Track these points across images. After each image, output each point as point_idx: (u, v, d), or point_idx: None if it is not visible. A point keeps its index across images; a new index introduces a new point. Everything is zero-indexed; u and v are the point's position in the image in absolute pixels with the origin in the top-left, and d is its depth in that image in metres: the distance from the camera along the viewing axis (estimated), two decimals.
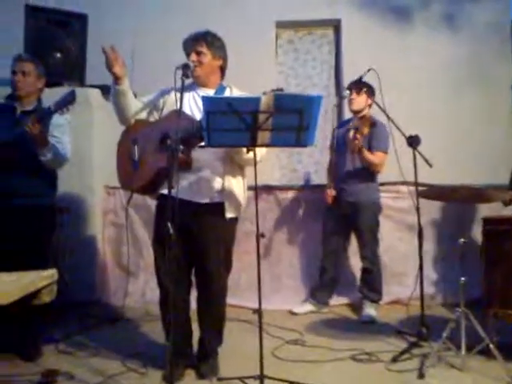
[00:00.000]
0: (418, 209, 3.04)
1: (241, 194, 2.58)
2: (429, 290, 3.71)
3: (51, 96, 2.88)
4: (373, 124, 3.45)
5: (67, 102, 2.65)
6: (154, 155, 2.45)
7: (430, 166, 3.06)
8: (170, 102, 2.52)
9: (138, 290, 4.00)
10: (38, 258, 2.81)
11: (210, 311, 2.62)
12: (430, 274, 3.87)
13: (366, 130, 3.38)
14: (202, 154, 2.43)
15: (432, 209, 3.85)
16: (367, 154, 3.44)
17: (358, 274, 3.82)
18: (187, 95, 2.52)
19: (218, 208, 2.49)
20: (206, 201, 2.49)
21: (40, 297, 1.58)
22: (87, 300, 3.86)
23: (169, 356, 2.27)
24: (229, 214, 2.52)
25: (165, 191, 2.44)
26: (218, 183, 2.49)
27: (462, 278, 2.61)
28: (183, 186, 2.35)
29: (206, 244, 2.51)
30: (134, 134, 2.57)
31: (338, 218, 3.68)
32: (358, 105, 3.58)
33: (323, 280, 3.77)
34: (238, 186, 2.55)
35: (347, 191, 3.62)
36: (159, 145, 2.45)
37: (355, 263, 3.92)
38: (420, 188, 3.05)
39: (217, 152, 2.46)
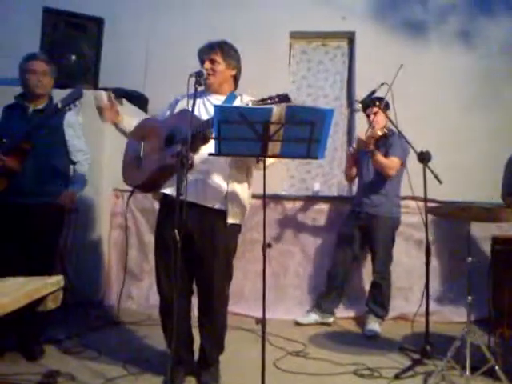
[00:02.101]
0: (426, 225, 3.01)
1: (245, 201, 2.55)
2: (434, 306, 3.67)
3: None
4: (389, 132, 3.51)
5: (74, 98, 2.70)
6: (158, 153, 2.47)
7: (440, 182, 3.03)
8: (181, 108, 2.55)
9: (142, 294, 3.99)
10: (45, 258, 2.84)
11: (210, 319, 2.59)
12: (436, 290, 3.84)
13: (379, 133, 3.45)
14: (210, 157, 2.39)
15: (440, 225, 3.83)
16: (379, 156, 3.45)
17: (366, 287, 3.79)
18: (198, 101, 2.51)
19: (220, 213, 2.47)
20: (209, 204, 2.47)
21: (45, 303, 1.57)
22: (91, 301, 3.86)
23: (170, 363, 2.26)
24: (231, 220, 2.49)
25: (167, 191, 2.47)
26: (222, 188, 2.48)
27: (469, 297, 2.58)
28: (189, 188, 2.26)
29: (207, 250, 2.49)
30: (143, 132, 2.60)
31: (354, 228, 3.68)
32: (379, 125, 3.57)
33: (329, 287, 3.74)
34: (242, 192, 2.53)
35: (367, 204, 3.62)
36: (164, 143, 2.47)
37: (366, 277, 3.91)
38: (429, 204, 3.03)
39: (224, 157, 2.44)
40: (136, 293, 3.98)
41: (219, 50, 2.55)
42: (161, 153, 2.45)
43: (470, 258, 2.67)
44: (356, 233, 3.68)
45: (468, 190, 3.86)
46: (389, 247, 3.61)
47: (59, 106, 2.71)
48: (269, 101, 2.29)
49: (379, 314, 3.58)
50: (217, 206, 2.48)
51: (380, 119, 3.57)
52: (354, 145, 3.75)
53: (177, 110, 2.59)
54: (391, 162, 3.49)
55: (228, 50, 2.57)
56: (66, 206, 2.91)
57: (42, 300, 1.55)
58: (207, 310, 2.58)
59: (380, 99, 3.44)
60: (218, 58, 2.54)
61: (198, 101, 2.51)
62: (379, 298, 3.59)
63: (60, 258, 3.25)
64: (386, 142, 3.54)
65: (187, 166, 2.24)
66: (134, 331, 3.45)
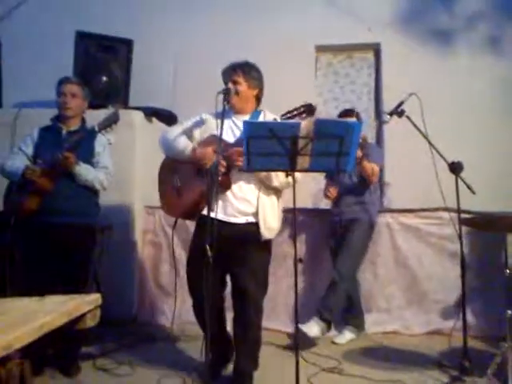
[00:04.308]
0: (460, 237, 2.95)
1: (275, 217, 2.62)
2: (471, 321, 3.57)
3: (97, 117, 2.99)
4: (364, 143, 3.48)
5: (111, 121, 2.81)
6: (195, 180, 2.58)
7: (473, 192, 2.98)
8: (209, 129, 2.63)
9: (175, 310, 3.99)
10: (79, 276, 2.91)
11: (246, 333, 2.62)
12: (472, 304, 3.72)
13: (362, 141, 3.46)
14: (239, 176, 2.52)
15: (475, 236, 3.73)
16: (366, 163, 3.43)
17: (395, 302, 3.72)
18: (225, 122, 2.56)
19: (253, 229, 2.54)
20: (241, 221, 2.55)
21: (84, 321, 1.61)
22: (125, 318, 3.90)
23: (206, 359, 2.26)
24: (264, 235, 2.55)
25: (205, 212, 2.50)
26: (252, 203, 2.56)
27: (509, 312, 2.51)
28: (220, 207, 2.44)
29: (242, 265, 2.56)
30: (173, 162, 2.70)
31: (340, 240, 3.60)
32: None
33: (350, 307, 3.66)
34: (272, 208, 2.60)
35: (346, 212, 3.58)
36: (198, 170, 2.58)
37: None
38: (463, 215, 2.97)
39: (253, 174, 2.52)
40: (169, 308, 4.00)
41: (241, 71, 2.62)
42: (196, 181, 2.57)
43: (507, 271, 2.60)
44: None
45: (502, 200, 3.76)
46: (358, 250, 3.51)
47: (96, 128, 2.80)
48: (295, 112, 2.42)
49: (323, 316, 3.35)
50: (248, 221, 2.55)
51: None
52: None
53: (205, 130, 2.67)
54: (375, 169, 3.47)
55: (249, 71, 2.64)
56: (59, 159, 2.76)
57: (80, 318, 1.58)
58: (243, 323, 2.62)
59: (352, 111, 3.58)
60: (240, 79, 2.62)
61: (225, 122, 2.55)
62: (328, 301, 3.38)
63: (94, 277, 3.30)
64: (364, 151, 3.47)
65: (217, 183, 2.38)
66: (167, 347, 3.46)
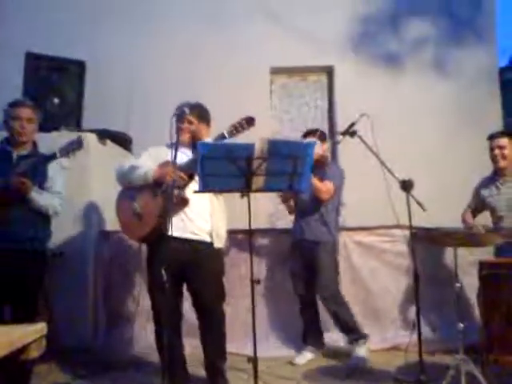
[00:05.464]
0: (413, 252, 3.02)
1: (224, 225, 2.91)
2: (426, 335, 3.63)
3: (48, 140, 2.92)
4: (325, 164, 3.60)
5: (74, 148, 2.73)
6: (153, 203, 2.73)
7: (424, 209, 3.07)
8: (161, 159, 2.80)
9: (131, 337, 3.89)
10: (28, 304, 2.78)
11: (213, 334, 2.85)
12: (427, 318, 3.80)
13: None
14: (192, 195, 2.66)
15: (427, 252, 3.83)
16: (313, 179, 3.41)
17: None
18: (178, 155, 2.73)
19: (208, 244, 2.79)
20: (199, 238, 2.77)
21: (28, 351, 1.53)
22: (78, 347, 3.74)
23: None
24: (217, 244, 2.82)
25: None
26: (207, 220, 2.80)
27: (461, 324, 2.58)
28: (177, 225, 2.56)
29: (201, 277, 2.76)
30: (128, 191, 2.88)
31: (301, 260, 3.63)
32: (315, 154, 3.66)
33: (309, 327, 3.68)
34: (222, 218, 2.88)
35: (306, 230, 3.60)
36: (155, 191, 2.75)
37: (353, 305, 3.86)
38: (414, 231, 3.05)
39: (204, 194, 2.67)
40: (125, 336, 3.88)
41: (191, 111, 2.78)
42: (155, 202, 2.74)
43: (458, 284, 2.67)
44: (304, 265, 3.61)
45: (452, 216, 3.89)
46: (332, 271, 3.52)
47: (57, 155, 2.72)
48: (238, 125, 2.63)
49: (354, 338, 3.48)
50: (205, 238, 2.78)
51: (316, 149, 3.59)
52: None
53: (157, 159, 2.83)
54: (325, 186, 3.51)
55: (200, 111, 2.90)
56: (14, 183, 2.69)
57: (24, 348, 1.50)
58: (209, 328, 2.85)
59: (315, 131, 3.68)
60: (192, 118, 2.86)
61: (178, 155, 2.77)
62: (343, 324, 3.49)
63: (45, 304, 3.18)
64: (322, 170, 3.55)
65: (172, 202, 2.52)
66: (123, 376, 3.34)
